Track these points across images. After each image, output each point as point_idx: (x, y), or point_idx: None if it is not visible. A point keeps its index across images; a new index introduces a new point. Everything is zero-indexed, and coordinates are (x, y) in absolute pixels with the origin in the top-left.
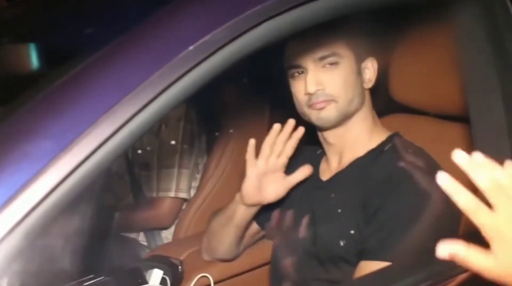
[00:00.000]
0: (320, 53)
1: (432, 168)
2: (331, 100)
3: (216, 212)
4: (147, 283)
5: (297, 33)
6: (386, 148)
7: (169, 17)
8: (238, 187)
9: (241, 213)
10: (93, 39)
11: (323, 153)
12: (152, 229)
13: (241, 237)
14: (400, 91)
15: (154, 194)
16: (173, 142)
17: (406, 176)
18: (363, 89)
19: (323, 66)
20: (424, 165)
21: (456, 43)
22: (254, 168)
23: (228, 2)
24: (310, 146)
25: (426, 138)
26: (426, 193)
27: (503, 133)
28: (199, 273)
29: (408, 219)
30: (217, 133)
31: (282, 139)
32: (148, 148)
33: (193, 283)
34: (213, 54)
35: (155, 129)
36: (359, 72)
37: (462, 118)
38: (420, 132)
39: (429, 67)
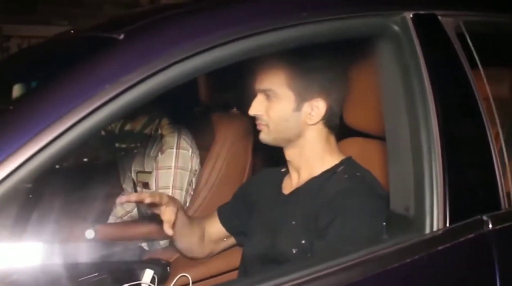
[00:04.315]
0: (259, 86)
1: (373, 189)
2: (265, 125)
3: None
4: (139, 280)
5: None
6: (338, 170)
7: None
8: (224, 200)
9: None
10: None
11: (287, 171)
12: (152, 240)
13: (192, 234)
14: (351, 118)
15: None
16: (168, 166)
17: (352, 196)
18: (304, 123)
19: (266, 96)
20: (368, 187)
21: (378, 75)
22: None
23: (137, 52)
24: (277, 167)
25: (376, 158)
26: (365, 211)
27: (408, 156)
28: (181, 273)
29: (351, 234)
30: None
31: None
32: (147, 170)
33: (174, 281)
34: (125, 91)
35: (155, 155)
36: (299, 110)
37: None
38: (371, 153)
39: (372, 96)
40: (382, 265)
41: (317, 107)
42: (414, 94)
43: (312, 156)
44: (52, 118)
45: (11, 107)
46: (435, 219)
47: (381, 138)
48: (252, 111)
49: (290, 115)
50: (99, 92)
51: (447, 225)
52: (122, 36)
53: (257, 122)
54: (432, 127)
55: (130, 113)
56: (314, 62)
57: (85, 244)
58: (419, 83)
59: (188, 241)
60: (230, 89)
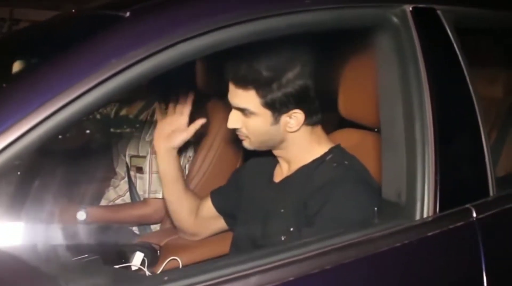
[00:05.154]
0: (235, 104)
1: (361, 177)
2: (246, 137)
3: None
4: (129, 262)
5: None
6: (327, 158)
7: (100, 36)
8: (217, 186)
9: (160, 163)
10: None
11: (278, 160)
12: (144, 225)
13: (184, 200)
14: (346, 109)
15: (146, 195)
16: None
17: (340, 184)
18: (283, 132)
19: (241, 111)
20: (356, 174)
21: (375, 66)
22: (163, 121)
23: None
24: (269, 156)
25: (367, 149)
26: (354, 198)
27: (401, 144)
28: (171, 257)
29: (340, 221)
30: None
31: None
32: (142, 155)
33: (164, 264)
34: (131, 67)
35: (150, 140)
36: (278, 122)
37: None
38: (363, 143)
39: (366, 89)
40: (373, 248)
41: (296, 117)
42: (411, 85)
43: (299, 151)
44: (59, 89)
45: (17, 78)
46: (426, 206)
47: (372, 129)
48: (230, 125)
49: (269, 128)
50: (105, 66)
51: (437, 212)
52: (128, 14)
53: (237, 133)
54: (427, 117)
55: (127, 98)
56: (287, 77)
57: (76, 226)
58: (415, 75)
59: (178, 205)
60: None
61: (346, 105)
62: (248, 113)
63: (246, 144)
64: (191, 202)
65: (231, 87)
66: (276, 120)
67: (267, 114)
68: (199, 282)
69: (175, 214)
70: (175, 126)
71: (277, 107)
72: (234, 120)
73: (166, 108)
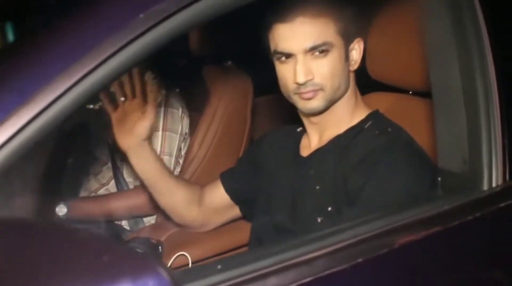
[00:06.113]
0: (311, 44)
1: (409, 146)
2: (319, 89)
3: None
4: None
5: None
6: (366, 126)
7: None
8: (221, 169)
9: (134, 164)
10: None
11: (304, 131)
12: (135, 217)
13: (176, 193)
14: (376, 69)
15: (138, 182)
16: (154, 128)
17: (386, 155)
18: (349, 72)
19: (313, 55)
20: (403, 143)
21: (423, 21)
22: (114, 114)
23: None
24: (291, 125)
25: (404, 115)
26: (404, 171)
27: (460, 105)
28: (179, 252)
29: (388, 199)
30: (199, 114)
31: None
32: None
33: (171, 261)
34: (162, 22)
35: None
36: (347, 57)
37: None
38: (397, 109)
39: (402, 45)
40: (441, 224)
41: (358, 48)
42: (467, 36)
43: (344, 112)
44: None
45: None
46: (494, 174)
47: (406, 91)
48: (304, 78)
49: (343, 66)
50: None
51: (507, 180)
52: None
53: (305, 90)
54: (489, 73)
55: None
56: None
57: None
58: (472, 24)
59: (170, 200)
60: (224, 39)
61: (375, 64)
62: (325, 50)
63: (318, 101)
64: (186, 192)
65: (298, 26)
66: (346, 54)
67: (341, 46)
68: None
69: (170, 210)
70: (132, 113)
71: (347, 34)
72: (306, 70)
73: (155, 78)
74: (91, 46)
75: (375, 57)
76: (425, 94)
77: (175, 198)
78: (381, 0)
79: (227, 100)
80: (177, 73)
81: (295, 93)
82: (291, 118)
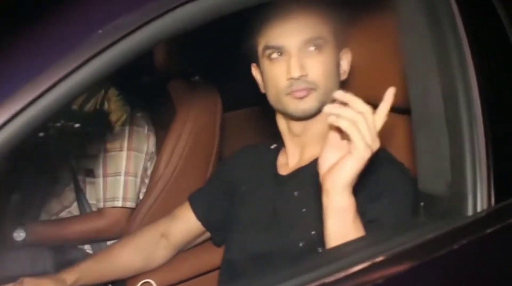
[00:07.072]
0: (307, 36)
1: (395, 165)
2: (312, 88)
3: None
4: None
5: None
6: None
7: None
8: (189, 188)
9: None
10: None
11: (279, 148)
12: (99, 242)
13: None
14: (353, 85)
15: (101, 204)
16: (119, 148)
17: (381, 174)
18: (339, 81)
19: (307, 50)
20: (393, 164)
21: (399, 31)
22: None
23: None
24: (263, 142)
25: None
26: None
27: (441, 124)
28: (143, 280)
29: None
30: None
31: None
32: (91, 153)
33: None
34: (123, 38)
35: (101, 134)
36: (338, 62)
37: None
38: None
39: (380, 60)
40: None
41: (346, 59)
42: (449, 52)
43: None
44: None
45: None
46: (479, 198)
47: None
48: (298, 72)
49: (335, 70)
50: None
51: (492, 205)
52: None
53: (299, 87)
54: (472, 91)
55: None
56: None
57: (13, 248)
58: (454, 38)
59: (133, 267)
60: (191, 52)
61: (352, 80)
62: (319, 45)
63: (311, 101)
64: (142, 249)
65: (294, 20)
66: (337, 57)
67: (333, 46)
68: None
69: (140, 270)
70: None
71: (339, 39)
72: (299, 66)
73: (119, 95)
74: (44, 66)
75: (351, 72)
76: (404, 110)
77: (136, 263)
78: (358, 13)
79: (195, 116)
80: (142, 89)
81: (287, 94)
82: (263, 133)
